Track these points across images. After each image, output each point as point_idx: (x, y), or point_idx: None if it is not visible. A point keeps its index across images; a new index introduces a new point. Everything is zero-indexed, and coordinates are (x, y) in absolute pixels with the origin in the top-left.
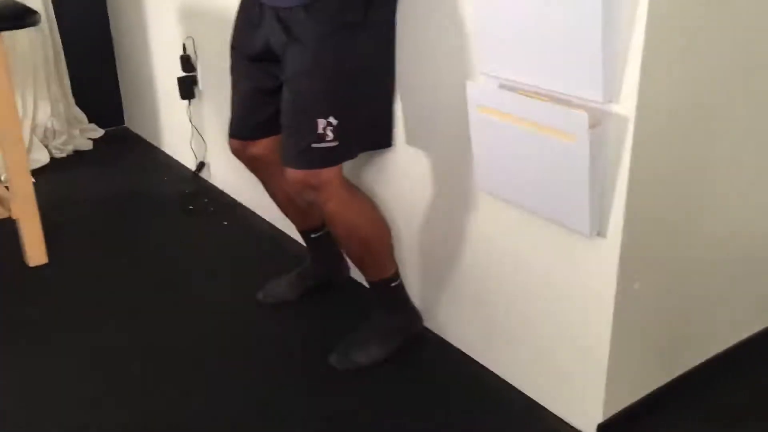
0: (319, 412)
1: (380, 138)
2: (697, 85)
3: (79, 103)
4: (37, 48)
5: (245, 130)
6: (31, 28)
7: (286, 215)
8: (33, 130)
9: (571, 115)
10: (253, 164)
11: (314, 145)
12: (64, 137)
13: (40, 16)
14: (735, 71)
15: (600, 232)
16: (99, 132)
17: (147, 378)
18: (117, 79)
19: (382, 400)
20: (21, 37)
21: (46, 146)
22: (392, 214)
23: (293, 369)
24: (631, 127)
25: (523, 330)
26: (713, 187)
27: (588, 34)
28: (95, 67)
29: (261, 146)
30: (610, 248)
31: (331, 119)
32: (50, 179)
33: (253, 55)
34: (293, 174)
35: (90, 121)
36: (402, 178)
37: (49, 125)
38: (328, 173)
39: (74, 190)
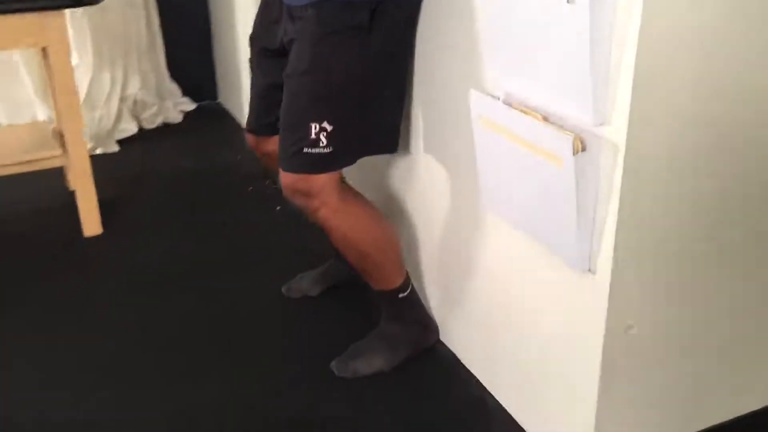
0: (303, 414)
1: (384, 145)
2: (697, 110)
3: (174, 76)
4: (130, 23)
5: (260, 125)
6: (126, 5)
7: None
8: (122, 101)
9: (557, 137)
10: (266, 160)
11: (306, 150)
12: (154, 109)
13: None
14: (741, 98)
15: (591, 268)
16: (191, 106)
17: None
18: (213, 54)
19: (373, 411)
20: (114, 13)
21: (137, 117)
22: (413, 221)
23: (291, 367)
24: (621, 153)
25: (525, 359)
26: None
27: (577, 51)
28: (192, 43)
29: (274, 143)
30: (599, 286)
31: (326, 125)
32: (134, 149)
33: (271, 51)
34: (284, 177)
35: (184, 95)
36: (423, 186)
37: (139, 97)
38: (320, 180)
39: (152, 161)
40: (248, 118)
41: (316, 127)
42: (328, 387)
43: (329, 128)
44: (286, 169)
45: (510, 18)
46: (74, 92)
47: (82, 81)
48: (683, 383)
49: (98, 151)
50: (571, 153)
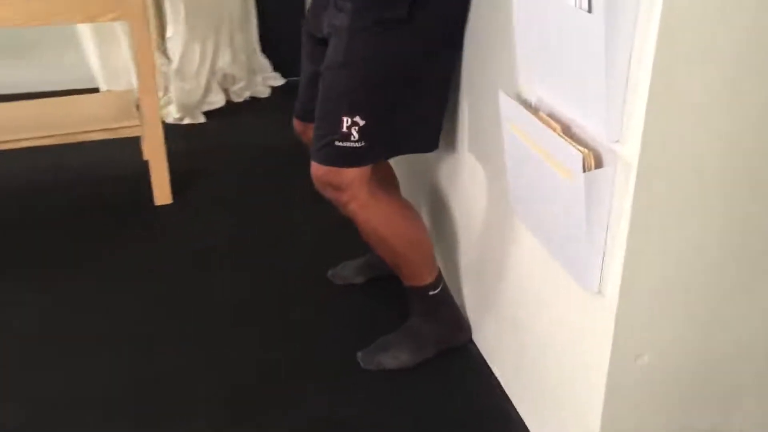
0: (320, 400)
1: (423, 143)
2: (713, 130)
3: (266, 51)
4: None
5: (305, 111)
6: None
7: None
8: (212, 74)
9: (569, 151)
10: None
11: (337, 143)
12: (243, 83)
13: None
14: (760, 117)
15: (601, 290)
16: (280, 81)
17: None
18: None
19: (390, 405)
20: None
21: (225, 90)
22: (455, 220)
23: (320, 352)
24: (633, 173)
25: (543, 374)
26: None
27: (594, 63)
28: (285, 18)
29: None
30: (606, 309)
31: (358, 119)
32: (219, 122)
33: (319, 38)
34: (314, 169)
35: (275, 70)
36: (465, 186)
37: (228, 71)
38: (350, 173)
39: (234, 135)
40: (296, 103)
41: (348, 121)
42: (351, 377)
43: (361, 123)
44: (316, 161)
45: (539, 23)
46: (152, 65)
47: (175, 53)
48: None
49: (185, 121)
50: (581, 169)
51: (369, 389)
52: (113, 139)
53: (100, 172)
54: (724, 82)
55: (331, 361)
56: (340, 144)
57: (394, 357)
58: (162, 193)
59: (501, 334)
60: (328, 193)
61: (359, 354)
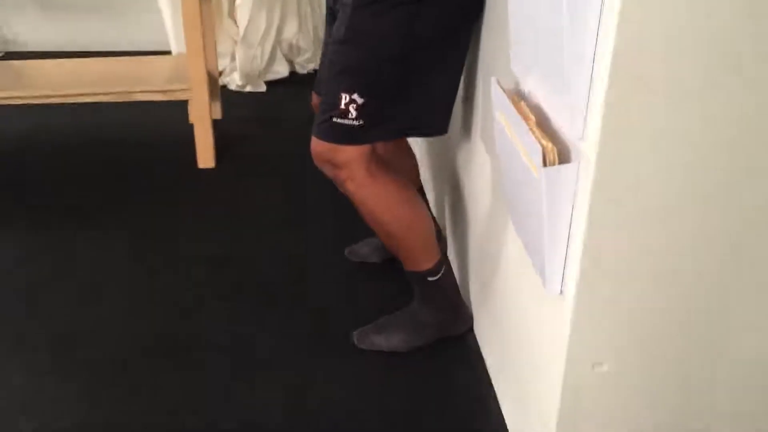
0: (303, 376)
1: (429, 126)
2: (672, 130)
3: None
4: None
5: (319, 85)
6: None
7: None
8: (278, 44)
9: (532, 143)
10: None
11: (336, 120)
12: (308, 54)
13: None
14: (718, 117)
15: (563, 293)
16: None
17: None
18: None
19: (375, 386)
20: None
21: (290, 61)
22: (467, 208)
23: (317, 327)
24: (592, 170)
25: (519, 373)
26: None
27: (563, 59)
28: None
29: None
30: (564, 312)
31: (356, 97)
32: (279, 92)
33: (334, 13)
34: (313, 143)
35: None
36: (477, 175)
37: (294, 42)
38: (348, 151)
39: (290, 106)
40: (316, 78)
41: (346, 98)
42: (343, 353)
43: (359, 101)
44: (315, 135)
45: (524, 11)
46: (198, 31)
47: (242, 22)
48: None
49: (247, 89)
50: (541, 163)
51: (358, 367)
52: (169, 101)
53: (153, 131)
54: (688, 80)
55: (328, 335)
56: (338, 121)
57: (387, 339)
58: (205, 156)
59: (492, 327)
60: (327, 170)
61: (354, 333)
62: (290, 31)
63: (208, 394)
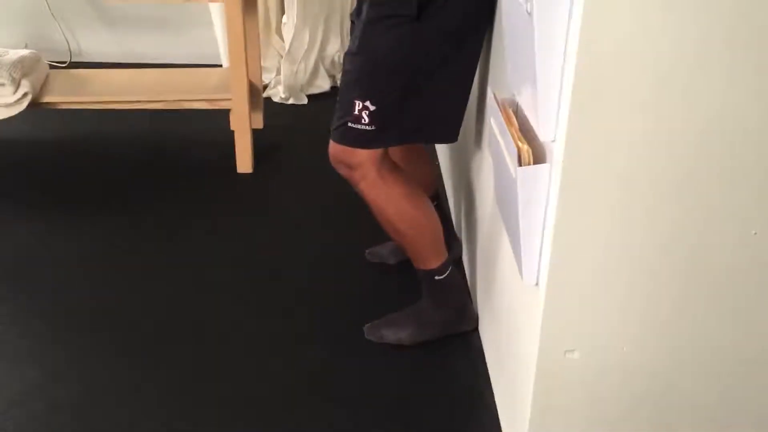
0: (318, 366)
1: (438, 134)
2: (636, 129)
3: None
4: None
5: None
6: None
7: None
8: (320, 60)
9: (510, 145)
10: None
11: (350, 124)
12: None
13: None
14: (682, 116)
15: (539, 284)
16: None
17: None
18: None
19: (378, 376)
20: None
21: (332, 76)
22: (477, 214)
23: (329, 320)
24: (559, 171)
25: (507, 364)
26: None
27: (533, 65)
28: None
29: None
30: (538, 301)
31: (368, 104)
32: (320, 105)
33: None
34: (330, 147)
35: None
36: (485, 182)
37: (337, 58)
38: (361, 154)
39: (328, 118)
40: None
41: (359, 105)
42: (353, 345)
43: (371, 108)
44: (332, 139)
45: (510, 24)
46: (241, 46)
47: (287, 38)
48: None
49: (290, 102)
50: (516, 164)
51: (365, 358)
52: (215, 109)
53: (200, 137)
54: (637, 93)
55: (339, 328)
56: (353, 125)
57: (395, 333)
58: (244, 161)
59: (491, 324)
60: (342, 171)
61: (366, 326)
62: (333, 48)
63: (221, 371)
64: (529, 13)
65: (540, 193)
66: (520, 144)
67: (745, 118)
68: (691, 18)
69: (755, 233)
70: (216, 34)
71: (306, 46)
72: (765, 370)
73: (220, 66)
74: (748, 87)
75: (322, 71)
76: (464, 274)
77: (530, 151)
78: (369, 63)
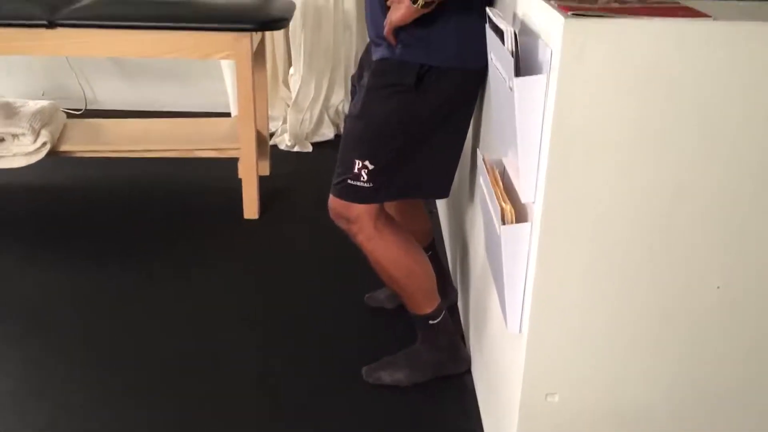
0: (308, 399)
1: (431, 191)
2: (617, 195)
3: None
4: (340, 45)
5: None
6: (340, 26)
7: None
8: (325, 109)
9: (494, 205)
10: None
11: (350, 181)
12: None
13: (286, 23)
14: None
15: (522, 332)
16: None
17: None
18: None
19: (371, 414)
20: (328, 33)
21: (336, 125)
22: (470, 264)
23: (328, 363)
24: (537, 229)
25: (494, 408)
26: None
27: (514, 134)
28: None
29: None
30: (521, 348)
31: (367, 163)
32: (324, 153)
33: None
34: (330, 201)
35: None
36: (478, 235)
37: (341, 107)
38: (359, 209)
39: (332, 166)
40: None
41: (359, 164)
42: (350, 385)
43: (370, 167)
44: (332, 194)
45: (496, 94)
46: (250, 98)
47: (294, 88)
48: None
49: (295, 149)
50: (500, 223)
51: (362, 398)
52: (223, 158)
53: (208, 184)
54: (616, 155)
55: (336, 370)
56: (352, 182)
57: (391, 375)
58: (250, 208)
59: (482, 367)
60: (341, 224)
61: (364, 368)
62: (337, 98)
63: (225, 413)
64: (511, 89)
65: (522, 249)
66: (503, 204)
67: (704, 185)
68: (650, 96)
69: (718, 287)
70: (226, 86)
71: (312, 97)
72: (737, 407)
73: (230, 114)
74: (709, 153)
75: (326, 120)
76: (459, 320)
77: (513, 210)
78: (370, 127)
